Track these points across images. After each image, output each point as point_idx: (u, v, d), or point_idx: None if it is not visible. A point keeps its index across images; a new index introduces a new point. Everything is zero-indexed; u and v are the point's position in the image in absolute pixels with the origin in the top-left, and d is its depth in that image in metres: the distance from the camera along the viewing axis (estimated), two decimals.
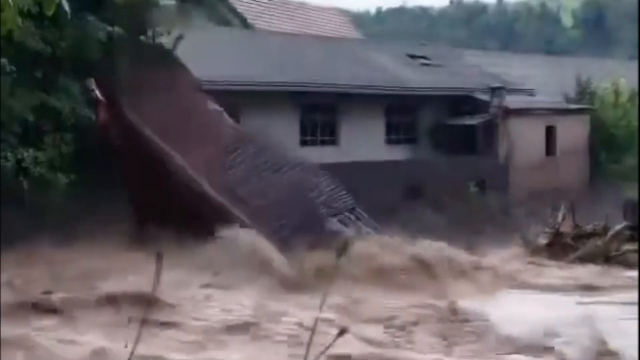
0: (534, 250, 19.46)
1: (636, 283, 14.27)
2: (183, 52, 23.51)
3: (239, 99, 23.69)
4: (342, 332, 2.06)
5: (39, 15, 12.50)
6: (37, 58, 13.12)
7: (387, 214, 24.67)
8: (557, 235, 19.30)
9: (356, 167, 24.85)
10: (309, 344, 2.29)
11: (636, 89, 32.89)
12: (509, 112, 29.04)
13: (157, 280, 1.89)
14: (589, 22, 75.18)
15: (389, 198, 24.99)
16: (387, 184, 25.07)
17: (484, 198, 27.60)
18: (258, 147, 19.30)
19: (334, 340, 2.02)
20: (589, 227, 19.54)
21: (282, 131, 24.84)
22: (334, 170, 24.24)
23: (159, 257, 1.88)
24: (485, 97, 29.20)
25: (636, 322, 10.18)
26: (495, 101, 28.94)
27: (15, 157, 12.19)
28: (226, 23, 29.38)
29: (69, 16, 12.60)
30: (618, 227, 19.19)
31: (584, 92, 33.17)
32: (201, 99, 19.39)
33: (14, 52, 12.31)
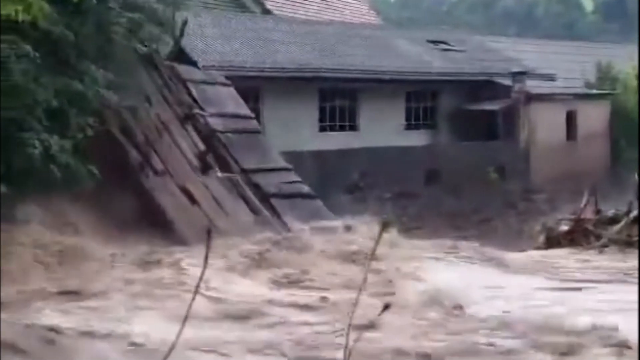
0: (554, 237, 19.34)
1: None
2: (206, 38, 23.64)
3: (259, 85, 23.76)
4: (387, 307, 2.10)
5: (61, 2, 12.57)
6: (60, 44, 13.17)
7: (407, 199, 24.75)
8: (578, 221, 19.15)
9: (376, 152, 24.89)
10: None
11: None
12: (530, 98, 28.93)
13: (207, 252, 1.95)
14: (609, 6, 74.64)
15: (409, 184, 25.03)
16: (406, 169, 25.09)
17: (504, 184, 27.56)
18: None
19: (380, 313, 2.06)
20: (610, 213, 19.37)
21: (302, 117, 24.89)
22: (354, 155, 24.31)
23: (209, 233, 1.95)
24: (505, 82, 29.08)
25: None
26: (516, 86, 28.81)
27: (42, 144, 12.18)
28: (246, 9, 29.40)
29: (95, 1, 12.72)
30: (635, 212, 19.02)
31: (605, 77, 33.03)
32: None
33: (38, 39, 12.37)
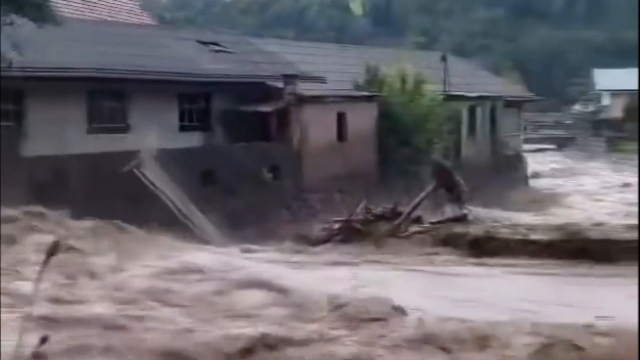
0: (326, 236, 19.64)
1: None
2: None
3: (23, 85, 22.62)
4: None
5: None
6: None
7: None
8: (347, 221, 19.58)
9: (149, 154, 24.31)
10: None
11: (421, 76, 34.20)
12: (301, 100, 29.41)
13: None
14: (377, 11, 77.50)
15: (184, 185, 24.65)
16: (182, 171, 24.68)
17: (278, 183, 27.86)
18: None
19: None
20: (378, 211, 19.92)
21: (69, 118, 23.98)
22: (126, 158, 23.64)
23: None
24: (278, 84, 29.40)
25: None
26: (288, 89, 29.22)
27: None
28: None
29: None
30: (418, 204, 19.65)
31: (373, 80, 34.07)
32: None
33: None
